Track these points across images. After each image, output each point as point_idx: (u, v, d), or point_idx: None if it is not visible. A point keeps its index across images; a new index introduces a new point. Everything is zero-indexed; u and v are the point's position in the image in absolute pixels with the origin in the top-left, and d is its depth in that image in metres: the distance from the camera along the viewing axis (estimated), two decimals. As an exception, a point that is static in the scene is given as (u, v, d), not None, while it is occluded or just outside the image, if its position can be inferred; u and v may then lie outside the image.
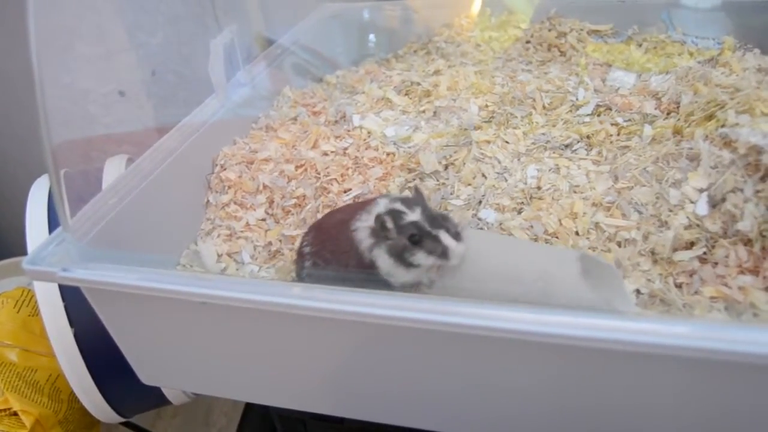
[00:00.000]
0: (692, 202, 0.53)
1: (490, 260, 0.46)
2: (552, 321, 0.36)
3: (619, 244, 0.53)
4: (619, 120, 0.67)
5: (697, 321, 0.41)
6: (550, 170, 0.62)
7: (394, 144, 0.69)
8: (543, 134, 0.67)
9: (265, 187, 0.67)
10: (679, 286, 0.49)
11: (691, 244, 0.51)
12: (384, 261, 0.46)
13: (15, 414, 0.81)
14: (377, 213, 0.46)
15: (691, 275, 0.50)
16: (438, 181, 0.64)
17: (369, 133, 0.71)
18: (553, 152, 0.65)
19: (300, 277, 0.54)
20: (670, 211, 0.54)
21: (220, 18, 1.07)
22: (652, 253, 0.52)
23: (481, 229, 0.57)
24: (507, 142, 0.67)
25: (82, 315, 0.67)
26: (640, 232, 0.53)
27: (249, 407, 0.92)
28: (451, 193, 0.61)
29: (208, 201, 0.69)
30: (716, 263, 0.50)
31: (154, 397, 0.78)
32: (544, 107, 0.72)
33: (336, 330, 0.45)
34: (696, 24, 0.85)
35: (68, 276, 0.46)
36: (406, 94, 0.78)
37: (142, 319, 0.52)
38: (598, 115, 0.69)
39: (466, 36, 0.96)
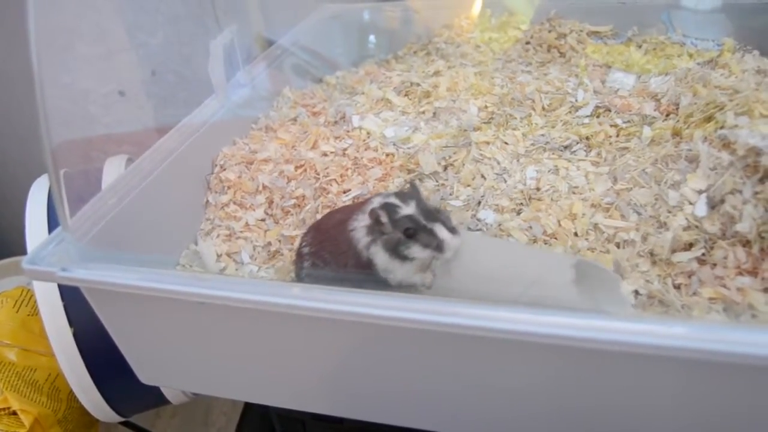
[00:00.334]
0: (691, 204, 0.53)
1: (484, 263, 0.46)
2: (550, 322, 0.36)
3: (617, 245, 0.54)
4: (619, 121, 0.67)
5: (695, 322, 0.41)
6: (549, 171, 0.62)
7: (394, 145, 0.69)
8: (542, 135, 0.67)
9: (264, 187, 0.67)
10: (677, 287, 0.50)
11: (689, 246, 0.51)
12: (380, 257, 0.46)
13: (14, 413, 0.81)
14: (372, 208, 0.46)
15: (689, 276, 0.50)
16: (437, 181, 0.64)
17: (368, 133, 0.72)
18: (553, 153, 0.65)
19: (299, 278, 0.54)
20: (669, 212, 0.54)
21: (220, 18, 1.07)
22: (651, 254, 0.52)
23: (480, 230, 0.57)
24: (506, 143, 0.67)
25: (81, 315, 0.67)
26: (639, 233, 0.53)
27: (248, 407, 0.92)
28: (451, 194, 0.61)
29: (207, 201, 0.69)
30: (715, 264, 0.50)
31: (154, 397, 0.78)
32: (543, 108, 0.72)
33: (334, 330, 0.45)
34: (696, 25, 0.85)
35: (67, 276, 0.46)
36: (405, 95, 0.78)
37: (142, 319, 0.52)
38: (598, 117, 0.69)
39: (466, 37, 0.96)
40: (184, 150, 0.66)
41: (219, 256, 0.63)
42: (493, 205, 0.59)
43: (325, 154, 0.70)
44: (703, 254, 0.50)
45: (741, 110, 0.59)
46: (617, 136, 0.66)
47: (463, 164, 0.64)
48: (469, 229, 0.57)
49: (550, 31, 0.90)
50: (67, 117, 1.09)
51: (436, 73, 0.82)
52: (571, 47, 0.87)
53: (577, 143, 0.65)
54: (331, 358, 0.49)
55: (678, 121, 0.64)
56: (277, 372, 0.53)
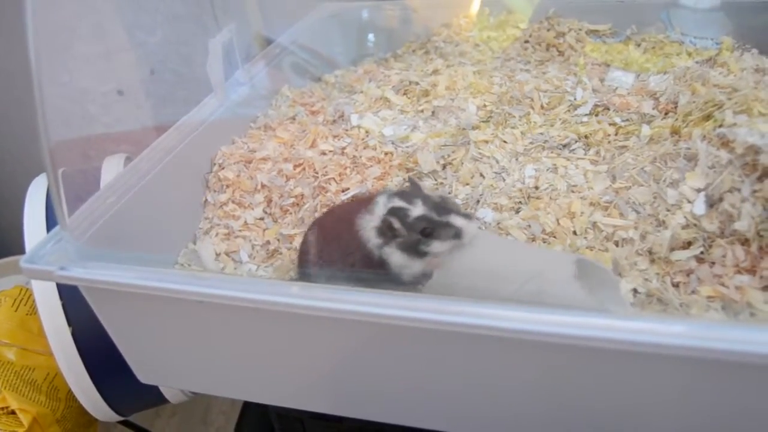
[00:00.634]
0: (690, 202, 0.54)
1: (485, 260, 0.46)
2: (550, 320, 0.36)
3: (616, 244, 0.54)
4: (617, 120, 0.67)
5: (694, 320, 0.41)
6: (548, 170, 0.62)
7: (393, 143, 0.69)
8: (541, 134, 0.67)
9: (263, 186, 0.67)
10: (676, 285, 0.50)
11: (688, 244, 0.51)
12: (397, 257, 0.47)
13: (13, 413, 0.81)
14: (382, 215, 0.47)
15: (688, 275, 0.50)
16: (436, 180, 0.64)
17: (367, 132, 0.72)
18: (551, 152, 0.65)
19: (303, 277, 0.54)
20: (668, 210, 0.54)
21: (218, 17, 1.07)
22: (650, 252, 0.52)
23: (479, 228, 0.57)
24: (505, 141, 0.67)
25: (80, 314, 0.67)
26: (638, 232, 0.53)
27: (247, 406, 0.92)
28: (449, 193, 0.61)
29: (206, 200, 0.69)
30: (713, 263, 0.50)
31: (152, 396, 0.78)
32: (542, 107, 0.72)
33: (334, 329, 0.45)
34: (695, 24, 0.85)
35: (66, 275, 0.46)
36: (404, 94, 0.78)
37: (141, 318, 0.52)
38: (596, 115, 0.69)
39: (465, 36, 0.96)
40: (182, 149, 0.66)
41: (218, 254, 0.63)
42: (492, 203, 0.59)
43: (323, 153, 0.70)
44: (702, 252, 0.50)
45: (740, 109, 0.59)
46: (616, 134, 0.66)
47: (462, 163, 0.64)
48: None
49: (548, 30, 0.90)
50: (65, 116, 1.09)
51: (435, 72, 0.82)
52: (570, 46, 0.87)
53: (576, 142, 0.65)
54: (331, 357, 0.49)
55: (677, 119, 0.64)
56: (276, 371, 0.53)
